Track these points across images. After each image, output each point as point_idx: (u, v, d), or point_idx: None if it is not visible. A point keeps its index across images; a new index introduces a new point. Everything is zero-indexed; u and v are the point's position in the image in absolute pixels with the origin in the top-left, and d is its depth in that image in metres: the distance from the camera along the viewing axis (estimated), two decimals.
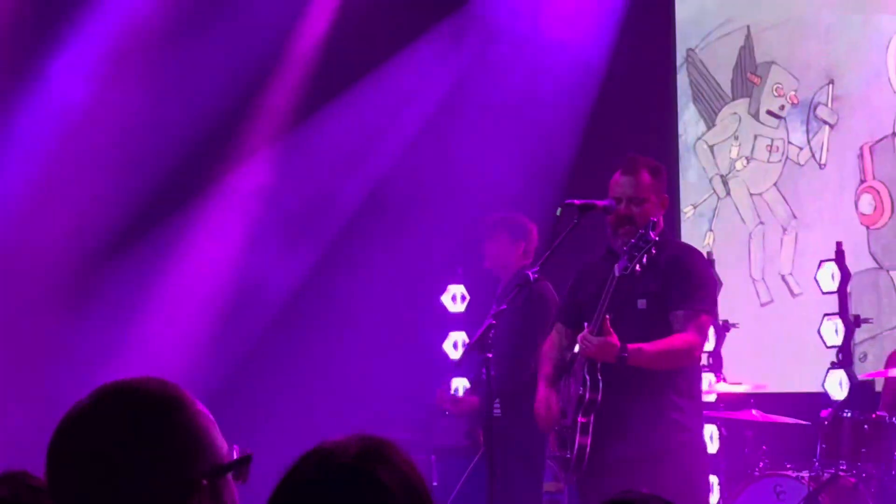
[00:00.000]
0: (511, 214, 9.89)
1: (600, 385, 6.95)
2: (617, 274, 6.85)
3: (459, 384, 10.70)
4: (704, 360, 10.24)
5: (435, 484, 10.26)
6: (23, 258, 11.00)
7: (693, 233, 11.68)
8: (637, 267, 6.86)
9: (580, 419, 7.01)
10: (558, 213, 7.18)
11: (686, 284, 7.13)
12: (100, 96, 11.11)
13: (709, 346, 10.27)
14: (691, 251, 7.60)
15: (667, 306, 7.11)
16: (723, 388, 10.04)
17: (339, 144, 12.10)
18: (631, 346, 6.83)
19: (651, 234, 6.86)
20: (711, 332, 10.22)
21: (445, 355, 11.00)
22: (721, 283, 10.71)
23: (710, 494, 9.23)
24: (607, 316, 6.81)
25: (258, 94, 11.99)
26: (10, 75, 11.14)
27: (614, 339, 6.78)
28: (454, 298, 11.16)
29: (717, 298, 7.40)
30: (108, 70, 11.18)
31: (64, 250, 11.10)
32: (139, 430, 2.71)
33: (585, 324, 6.99)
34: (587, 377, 6.95)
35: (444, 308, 11.21)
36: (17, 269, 11.03)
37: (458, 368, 10.13)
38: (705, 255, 10.38)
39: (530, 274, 7.10)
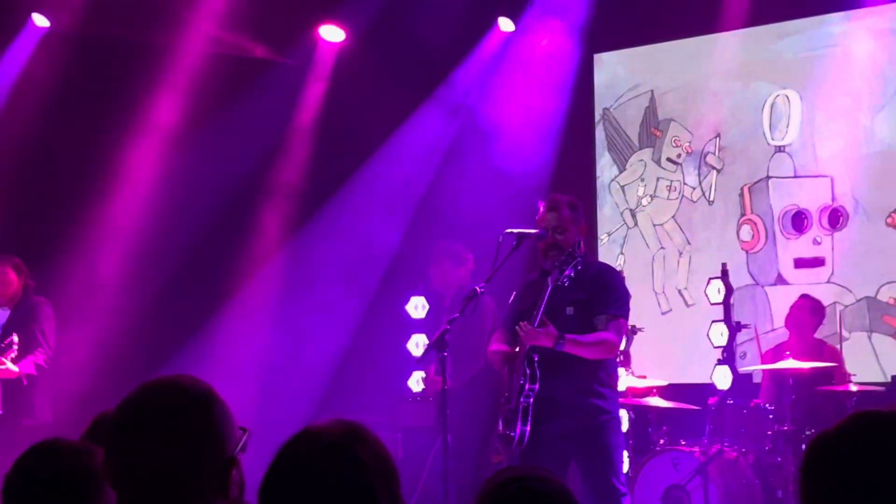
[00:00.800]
0: (452, 243, 10.03)
1: (538, 376, 7.09)
2: (550, 285, 6.99)
3: (419, 376, 10.85)
4: (618, 356, 11.18)
5: (401, 457, 10.22)
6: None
7: (607, 255, 11.79)
8: (566, 279, 7.00)
9: (521, 404, 7.15)
10: (500, 240, 7.22)
11: (607, 294, 7.32)
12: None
13: (622, 346, 11.20)
14: (610, 269, 7.87)
15: (591, 312, 7.25)
16: (631, 380, 10.10)
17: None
18: (567, 335, 7.03)
19: (576, 252, 7.05)
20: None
21: (408, 353, 10.99)
22: (630, 295, 11.56)
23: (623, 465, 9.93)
24: (543, 316, 6.97)
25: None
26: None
27: (552, 328, 6.98)
28: (416, 307, 11.12)
29: (629, 307, 7.45)
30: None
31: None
32: (189, 421, 2.77)
33: (523, 323, 7.05)
34: (527, 369, 7.08)
35: (407, 315, 11.16)
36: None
37: (418, 363, 10.04)
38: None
39: (478, 288, 7.16)
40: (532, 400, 7.13)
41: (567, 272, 7.06)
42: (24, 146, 10.81)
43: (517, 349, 7.27)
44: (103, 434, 3.06)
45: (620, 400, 9.65)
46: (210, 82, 11.24)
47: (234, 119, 11.17)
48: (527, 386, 7.13)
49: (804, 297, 10.08)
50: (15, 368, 9.02)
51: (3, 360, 8.91)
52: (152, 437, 2.65)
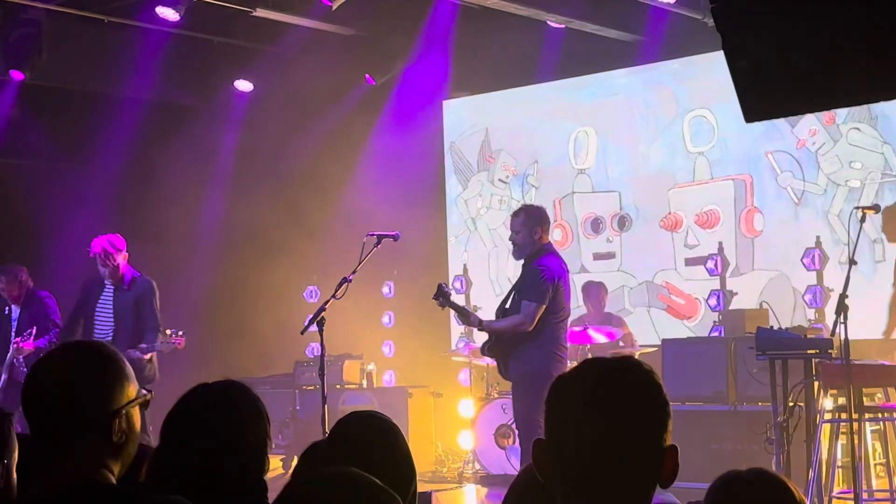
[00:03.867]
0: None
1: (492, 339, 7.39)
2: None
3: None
4: (462, 329, 10.93)
5: (298, 408, 10.50)
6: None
7: (455, 253, 11.92)
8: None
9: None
10: (364, 240, 7.03)
11: (530, 283, 7.25)
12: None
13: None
14: (546, 265, 7.31)
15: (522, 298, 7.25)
16: (473, 347, 10.01)
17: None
18: (486, 321, 7.39)
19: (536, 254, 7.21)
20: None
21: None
22: (472, 282, 11.75)
23: None
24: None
25: None
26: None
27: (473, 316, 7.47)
28: (310, 293, 11.51)
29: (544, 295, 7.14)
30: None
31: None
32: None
33: None
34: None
35: (304, 300, 11.48)
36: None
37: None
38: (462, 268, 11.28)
39: (349, 277, 6.92)
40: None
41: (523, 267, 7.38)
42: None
43: None
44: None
45: (464, 360, 10.21)
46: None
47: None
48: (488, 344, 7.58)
49: (594, 283, 10.29)
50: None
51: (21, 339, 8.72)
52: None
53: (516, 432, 9.32)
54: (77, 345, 2.48)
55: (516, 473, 8.55)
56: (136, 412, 2.41)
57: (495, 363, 7.62)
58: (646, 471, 1.88)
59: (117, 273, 8.36)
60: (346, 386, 10.75)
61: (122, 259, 8.37)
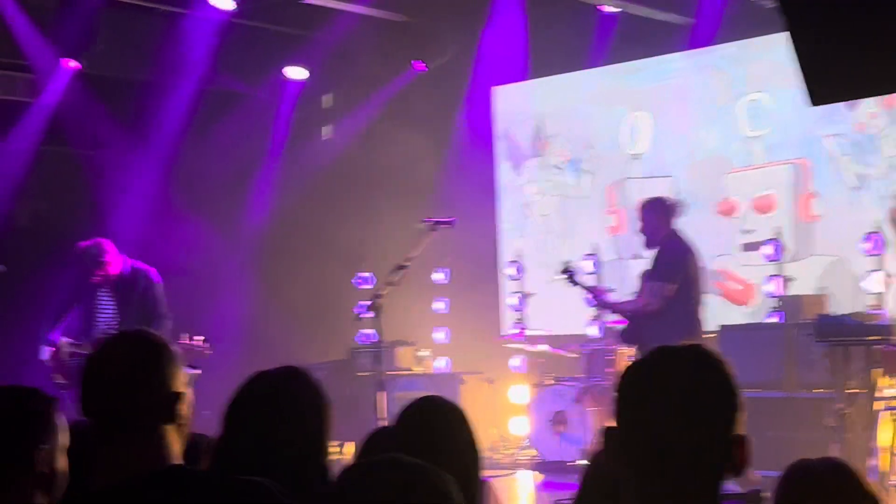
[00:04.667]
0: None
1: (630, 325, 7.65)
2: None
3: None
4: (516, 316, 11.19)
5: (352, 394, 10.16)
6: None
7: (507, 240, 11.86)
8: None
9: None
10: (420, 226, 7.15)
11: (659, 266, 7.55)
12: None
13: (518, 305, 11.12)
14: (672, 247, 7.63)
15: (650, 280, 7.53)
16: (527, 332, 10.44)
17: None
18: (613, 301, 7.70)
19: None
20: (517, 298, 11.17)
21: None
22: (525, 269, 11.57)
23: None
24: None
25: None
26: None
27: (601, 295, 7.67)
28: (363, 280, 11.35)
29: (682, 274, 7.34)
30: None
31: None
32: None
33: None
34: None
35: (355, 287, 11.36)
36: None
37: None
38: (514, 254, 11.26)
39: (406, 263, 7.00)
40: None
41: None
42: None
43: None
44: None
45: (516, 348, 10.23)
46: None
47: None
48: None
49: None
50: None
51: None
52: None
53: (571, 418, 9.46)
54: (130, 334, 2.51)
55: (572, 459, 8.55)
56: (190, 391, 2.46)
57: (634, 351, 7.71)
58: (716, 460, 1.87)
59: (111, 277, 7.99)
60: (400, 372, 10.74)
61: (109, 263, 7.99)
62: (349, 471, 1.76)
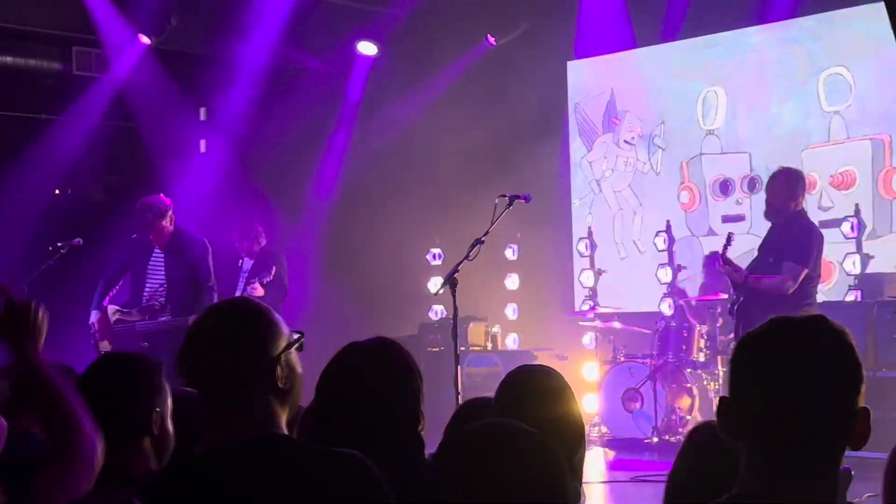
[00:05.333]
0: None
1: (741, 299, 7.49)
2: None
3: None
4: (587, 292, 11.12)
5: (424, 369, 10.89)
6: None
7: (579, 216, 11.82)
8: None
9: None
10: (496, 201, 7.02)
11: (795, 246, 7.41)
12: None
13: (589, 282, 11.00)
14: (809, 229, 7.59)
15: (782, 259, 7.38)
16: (598, 310, 10.30)
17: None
18: (751, 275, 7.41)
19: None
20: (589, 275, 11.09)
21: (429, 291, 10.99)
22: (597, 245, 11.50)
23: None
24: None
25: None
26: None
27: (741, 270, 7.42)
28: (434, 256, 11.51)
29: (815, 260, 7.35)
30: None
31: None
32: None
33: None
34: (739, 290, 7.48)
35: (427, 262, 11.54)
36: None
37: (436, 297, 10.26)
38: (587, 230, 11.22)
39: (483, 238, 6.84)
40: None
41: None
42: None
43: None
44: None
45: (587, 325, 10.16)
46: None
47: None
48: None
49: (709, 254, 10.08)
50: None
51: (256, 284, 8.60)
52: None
53: (643, 395, 9.39)
54: (224, 304, 2.51)
55: (644, 437, 8.44)
56: (294, 356, 2.43)
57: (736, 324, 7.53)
58: (838, 433, 1.84)
59: (166, 237, 8.03)
60: (472, 348, 10.75)
61: (169, 222, 8.05)
62: (460, 437, 1.74)
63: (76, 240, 8.49)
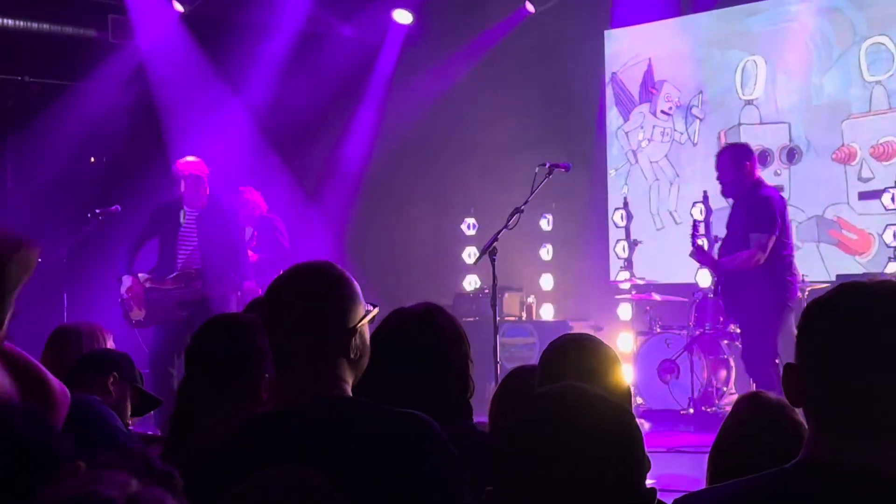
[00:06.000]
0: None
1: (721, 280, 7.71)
2: None
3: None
4: (622, 263, 11.05)
5: None
6: None
7: (615, 186, 11.71)
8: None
9: None
10: (536, 170, 7.02)
11: (757, 216, 7.44)
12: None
13: (624, 253, 10.95)
14: (769, 196, 7.53)
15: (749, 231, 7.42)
16: (635, 279, 10.28)
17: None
18: (721, 259, 7.46)
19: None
20: (624, 245, 11.12)
21: (463, 261, 11.27)
22: (633, 216, 11.48)
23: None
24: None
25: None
26: None
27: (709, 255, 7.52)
28: (469, 226, 11.45)
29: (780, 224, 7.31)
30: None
31: None
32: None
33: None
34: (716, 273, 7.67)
35: (462, 232, 11.45)
36: None
37: (472, 267, 10.41)
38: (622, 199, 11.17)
39: (522, 207, 6.85)
40: None
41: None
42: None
43: None
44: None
45: (622, 296, 10.21)
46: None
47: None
48: None
49: None
50: None
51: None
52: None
53: (679, 366, 9.35)
54: (314, 268, 2.48)
55: (680, 409, 8.36)
56: (366, 327, 2.45)
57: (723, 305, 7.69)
58: None
59: (203, 201, 7.90)
60: (506, 318, 10.70)
61: (206, 189, 7.92)
62: (532, 400, 1.71)
63: (114, 206, 8.50)
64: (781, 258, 7.31)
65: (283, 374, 2.39)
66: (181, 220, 7.94)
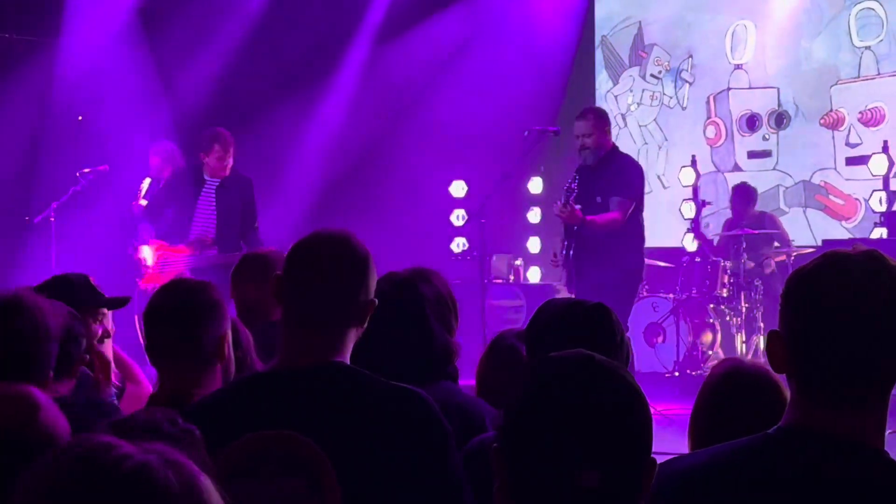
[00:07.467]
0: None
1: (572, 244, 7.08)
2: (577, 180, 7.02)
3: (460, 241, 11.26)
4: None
5: None
6: None
7: None
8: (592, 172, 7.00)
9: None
10: (525, 134, 7.07)
11: (620, 181, 7.13)
12: None
13: None
14: (630, 163, 7.48)
15: (610, 196, 7.09)
16: None
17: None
18: (588, 217, 6.93)
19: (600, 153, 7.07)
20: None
21: (451, 223, 11.23)
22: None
23: None
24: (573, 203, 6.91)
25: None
26: None
27: (578, 211, 6.91)
28: (458, 188, 11.24)
29: (640, 192, 7.22)
30: None
31: None
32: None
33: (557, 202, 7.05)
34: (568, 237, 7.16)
35: (450, 194, 11.35)
36: None
37: (460, 230, 10.52)
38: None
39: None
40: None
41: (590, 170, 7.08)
42: None
43: None
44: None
45: None
46: None
47: None
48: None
49: (739, 185, 10.02)
50: None
51: None
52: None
53: (665, 330, 9.38)
54: (336, 236, 2.44)
55: (665, 371, 8.27)
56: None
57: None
58: (887, 366, 1.81)
59: (227, 171, 7.75)
60: (494, 280, 10.68)
61: (231, 160, 7.78)
62: (538, 367, 1.64)
63: (103, 166, 8.43)
64: (638, 226, 7.25)
65: (293, 336, 2.38)
66: (200, 187, 7.81)
